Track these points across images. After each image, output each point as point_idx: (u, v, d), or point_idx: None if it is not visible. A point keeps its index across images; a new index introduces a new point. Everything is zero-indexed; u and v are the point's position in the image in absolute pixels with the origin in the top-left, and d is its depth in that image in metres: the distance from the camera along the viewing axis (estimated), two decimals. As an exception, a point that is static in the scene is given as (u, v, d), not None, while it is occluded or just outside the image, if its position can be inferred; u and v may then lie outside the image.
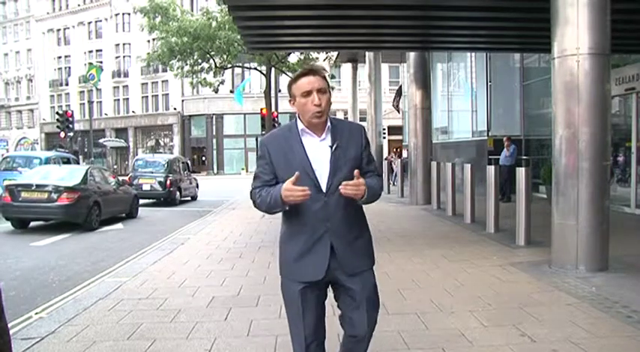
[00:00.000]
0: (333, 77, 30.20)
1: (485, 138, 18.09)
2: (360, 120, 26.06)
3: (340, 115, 43.48)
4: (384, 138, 30.94)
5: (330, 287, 2.88)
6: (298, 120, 2.79)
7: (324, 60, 22.96)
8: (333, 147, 2.73)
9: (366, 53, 23.06)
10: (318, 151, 2.73)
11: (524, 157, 16.41)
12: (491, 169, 9.99)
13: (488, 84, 18.58)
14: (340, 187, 2.61)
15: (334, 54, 27.54)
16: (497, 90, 18.53)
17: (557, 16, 6.71)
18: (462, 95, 21.65)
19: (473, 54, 19.52)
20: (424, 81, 15.97)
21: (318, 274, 2.75)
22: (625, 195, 12.58)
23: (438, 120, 22.49)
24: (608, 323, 4.68)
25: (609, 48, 6.60)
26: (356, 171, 2.63)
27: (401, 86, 26.36)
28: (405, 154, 23.10)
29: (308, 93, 2.68)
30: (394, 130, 38.12)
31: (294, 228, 2.79)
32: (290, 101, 2.80)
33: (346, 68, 29.39)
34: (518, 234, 8.49)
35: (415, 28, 11.74)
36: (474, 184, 11.34)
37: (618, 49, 12.47)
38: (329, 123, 2.77)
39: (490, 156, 16.53)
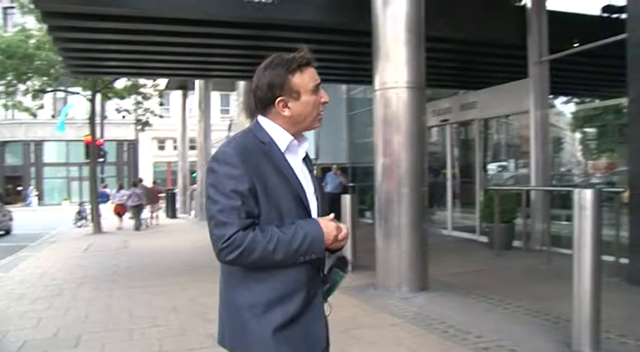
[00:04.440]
0: (162, 104, 29.48)
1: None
2: (190, 149, 25.70)
3: (169, 144, 42.63)
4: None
5: None
6: (272, 129, 1.95)
7: (152, 87, 22.31)
8: (314, 170, 2.12)
9: (196, 81, 22.87)
10: (301, 174, 1.98)
11: (351, 184, 17.11)
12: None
13: (315, 114, 19.18)
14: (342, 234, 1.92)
15: (163, 80, 26.99)
16: (325, 120, 18.95)
17: (378, 52, 7.12)
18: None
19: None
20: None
21: (316, 347, 1.97)
22: (443, 218, 13.57)
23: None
24: (430, 339, 4.96)
25: (425, 82, 7.12)
26: (332, 215, 1.97)
27: (232, 120, 26.45)
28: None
29: (316, 89, 1.96)
30: (225, 158, 37.91)
31: (288, 286, 1.88)
32: (279, 102, 1.91)
33: (176, 95, 28.84)
34: (345, 259, 8.73)
35: (245, 57, 11.84)
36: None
37: (433, 83, 13.55)
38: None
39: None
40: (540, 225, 9.86)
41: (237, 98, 17.12)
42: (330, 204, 12.75)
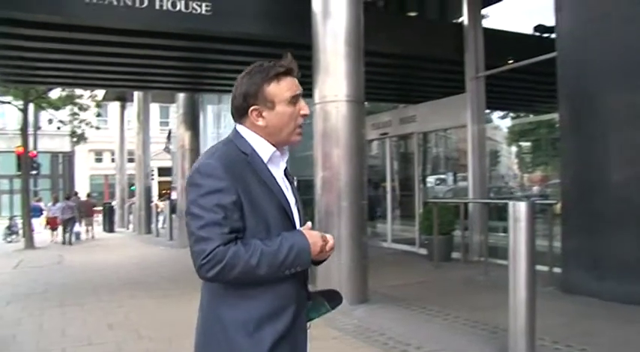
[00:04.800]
0: (99, 115, 28.77)
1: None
2: (128, 162, 25.15)
3: (107, 156, 41.58)
4: (153, 179, 30.20)
5: None
6: (253, 139, 1.87)
7: (89, 97, 21.77)
8: (295, 182, 2.05)
9: (135, 92, 22.46)
10: (283, 185, 1.92)
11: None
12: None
13: (257, 126, 19.15)
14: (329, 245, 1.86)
15: (101, 91, 26.41)
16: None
17: (318, 65, 7.14)
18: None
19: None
20: (193, 122, 15.96)
21: None
22: (383, 231, 13.68)
23: (208, 161, 22.51)
24: (369, 353, 4.97)
25: (364, 96, 7.18)
26: (309, 224, 1.92)
27: (171, 130, 26.10)
28: (174, 196, 22.70)
29: (295, 100, 1.87)
30: (164, 171, 37.36)
31: (276, 303, 1.80)
32: (253, 111, 1.85)
33: (114, 106, 28.23)
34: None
35: (185, 69, 11.72)
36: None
37: (373, 97, 13.73)
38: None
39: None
40: (478, 236, 10.06)
41: (176, 110, 16.87)
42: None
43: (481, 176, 10.67)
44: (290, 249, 1.74)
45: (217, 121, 23.36)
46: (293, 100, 1.86)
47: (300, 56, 8.26)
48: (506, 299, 4.58)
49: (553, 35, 7.67)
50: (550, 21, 7.72)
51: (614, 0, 6.81)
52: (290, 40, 9.44)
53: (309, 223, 1.90)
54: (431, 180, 13.89)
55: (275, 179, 1.86)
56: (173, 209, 18.29)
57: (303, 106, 1.88)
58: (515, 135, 12.74)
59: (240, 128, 1.90)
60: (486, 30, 10.82)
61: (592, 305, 6.31)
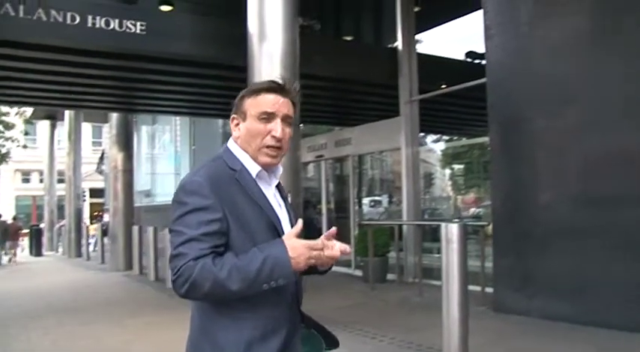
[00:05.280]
0: (27, 133, 27.82)
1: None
2: (59, 182, 24.33)
3: (36, 176, 40.14)
4: (84, 201, 29.31)
5: None
6: (242, 155, 1.85)
7: (17, 114, 20.99)
8: (289, 199, 2.01)
9: (66, 111, 21.81)
10: (275, 202, 1.88)
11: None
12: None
13: (192, 147, 18.95)
14: (341, 248, 1.75)
15: (29, 109, 25.54)
16: (201, 154, 18.98)
17: (250, 87, 7.11)
18: (167, 158, 21.70)
19: (178, 118, 19.79)
20: (127, 142, 15.59)
21: None
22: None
23: (141, 182, 22.08)
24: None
25: (299, 118, 7.20)
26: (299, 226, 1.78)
27: (104, 150, 25.49)
28: (106, 218, 22.10)
29: (269, 117, 1.81)
30: (96, 193, 36.33)
31: (269, 325, 1.75)
32: (232, 119, 1.88)
33: (43, 125, 27.29)
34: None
35: (118, 88, 11.49)
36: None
37: (308, 120, 13.82)
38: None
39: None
40: (413, 258, 10.17)
41: (109, 130, 16.46)
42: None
43: (415, 198, 10.83)
44: (264, 260, 1.62)
45: (152, 142, 22.98)
46: (263, 117, 1.81)
47: (234, 78, 8.32)
48: (440, 320, 4.63)
49: (484, 62, 7.91)
50: (481, 48, 7.98)
51: (537, 32, 7.10)
52: (226, 62, 9.43)
53: (295, 229, 1.76)
54: (366, 201, 14.02)
55: (265, 195, 1.82)
56: (105, 231, 17.79)
57: (273, 128, 1.81)
58: (449, 157, 13.03)
59: (231, 144, 1.88)
60: (420, 55, 11.07)
61: (522, 324, 6.47)
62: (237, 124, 1.86)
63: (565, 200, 6.68)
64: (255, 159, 1.83)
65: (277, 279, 1.64)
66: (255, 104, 1.82)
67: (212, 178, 1.73)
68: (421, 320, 6.91)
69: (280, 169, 1.93)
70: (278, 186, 1.95)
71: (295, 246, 1.67)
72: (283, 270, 1.64)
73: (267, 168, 1.86)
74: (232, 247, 1.69)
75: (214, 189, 1.69)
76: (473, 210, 11.27)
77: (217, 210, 1.68)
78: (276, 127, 1.80)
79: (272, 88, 1.84)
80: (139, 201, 21.36)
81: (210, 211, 1.67)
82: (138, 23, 8.72)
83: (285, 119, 1.83)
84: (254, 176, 1.81)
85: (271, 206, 1.82)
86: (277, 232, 1.78)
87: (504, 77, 7.49)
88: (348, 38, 13.50)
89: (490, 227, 7.89)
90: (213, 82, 10.77)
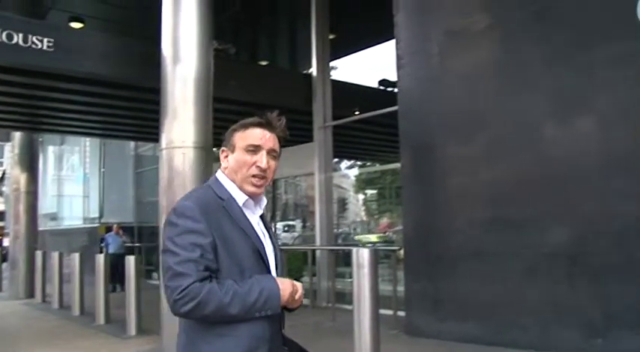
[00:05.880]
0: None
1: (98, 225, 17.61)
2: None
3: None
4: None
5: None
6: (229, 185, 1.97)
7: None
8: (272, 230, 2.11)
9: (-36, 130, 20.67)
10: (259, 230, 1.99)
11: (137, 244, 16.39)
12: (100, 258, 9.66)
13: (102, 170, 18.36)
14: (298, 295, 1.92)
15: None
16: (111, 177, 18.44)
17: (166, 110, 6.93)
18: (75, 180, 20.91)
19: (87, 139, 19.15)
20: (31, 163, 14.85)
21: None
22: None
23: (47, 205, 21.15)
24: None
25: (212, 142, 7.09)
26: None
27: (5, 170, 24.26)
28: (6, 242, 20.93)
29: (255, 150, 1.96)
30: (-4, 216, 34.45)
31: (252, 343, 1.82)
32: (222, 151, 2.01)
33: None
34: (129, 324, 8.24)
35: (22, 106, 10.98)
36: (83, 274, 10.77)
37: (221, 144, 13.61)
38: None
39: (102, 245, 16.09)
40: (326, 282, 10.19)
41: (11, 149, 15.67)
42: (114, 266, 12.07)
43: (328, 223, 10.88)
44: (260, 292, 1.79)
45: (59, 163, 22.07)
46: (250, 149, 1.95)
47: (147, 99, 8.10)
48: (352, 344, 4.63)
49: (396, 89, 8.10)
50: (393, 76, 8.17)
51: (447, 62, 7.37)
52: (138, 83, 9.22)
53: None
54: (280, 226, 13.98)
55: (250, 223, 1.94)
56: (4, 257, 16.81)
57: (259, 159, 1.96)
58: (362, 183, 13.25)
59: (219, 174, 2.02)
60: (334, 82, 11.21)
61: (434, 346, 6.58)
62: (227, 156, 2.00)
63: (474, 224, 6.88)
64: (241, 188, 1.96)
65: (267, 310, 1.81)
66: (243, 137, 1.97)
67: (202, 204, 1.85)
68: (333, 345, 6.89)
69: (264, 200, 2.06)
70: (262, 216, 2.06)
71: (283, 281, 1.87)
72: (274, 302, 1.82)
73: (253, 198, 1.99)
74: (220, 271, 1.80)
75: (204, 214, 1.81)
76: (385, 235, 11.44)
77: (207, 234, 1.79)
78: (262, 159, 1.96)
79: (260, 123, 2.00)
80: (44, 225, 20.43)
81: (201, 234, 1.78)
82: (45, 39, 8.39)
83: (271, 152, 2.01)
84: (241, 204, 1.94)
85: (256, 233, 1.94)
86: (262, 259, 1.92)
87: (415, 105, 7.70)
88: (264, 63, 13.55)
89: (402, 251, 8.02)
90: (124, 103, 10.49)
